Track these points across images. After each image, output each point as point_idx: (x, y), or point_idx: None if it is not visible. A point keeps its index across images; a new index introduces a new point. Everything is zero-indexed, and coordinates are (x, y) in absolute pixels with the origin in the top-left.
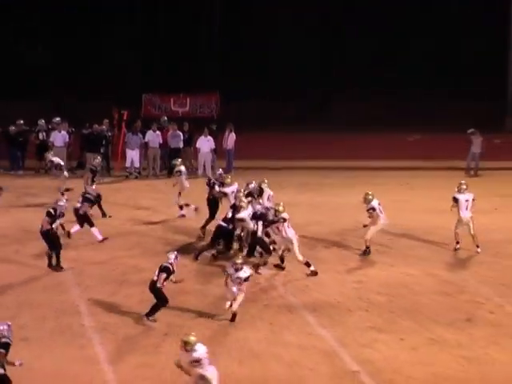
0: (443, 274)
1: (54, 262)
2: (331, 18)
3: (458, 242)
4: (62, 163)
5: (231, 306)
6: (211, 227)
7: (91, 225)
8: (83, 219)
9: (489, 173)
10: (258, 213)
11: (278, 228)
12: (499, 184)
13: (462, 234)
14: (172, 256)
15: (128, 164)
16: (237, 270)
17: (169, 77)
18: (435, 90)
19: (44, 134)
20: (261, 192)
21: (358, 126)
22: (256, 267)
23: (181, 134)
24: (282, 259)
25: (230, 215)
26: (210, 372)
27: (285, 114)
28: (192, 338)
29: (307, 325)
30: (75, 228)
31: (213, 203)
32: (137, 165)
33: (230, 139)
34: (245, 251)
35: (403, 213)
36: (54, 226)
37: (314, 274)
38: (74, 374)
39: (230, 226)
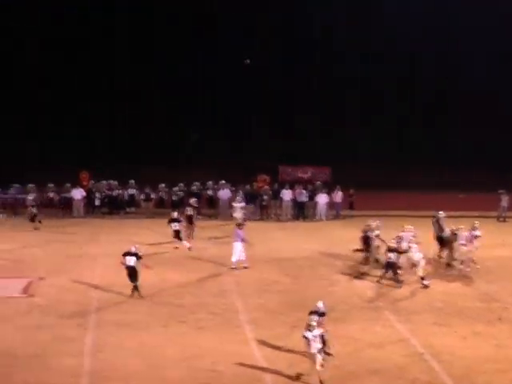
0: (481, 287)
1: None
2: None
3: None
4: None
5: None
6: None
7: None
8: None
9: None
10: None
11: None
12: None
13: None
14: (320, 305)
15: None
16: (311, 331)
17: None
18: None
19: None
20: None
21: None
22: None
23: (305, 192)
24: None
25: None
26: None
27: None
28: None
29: (388, 320)
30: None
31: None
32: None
33: (338, 195)
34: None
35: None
36: None
37: (426, 287)
38: (233, 351)
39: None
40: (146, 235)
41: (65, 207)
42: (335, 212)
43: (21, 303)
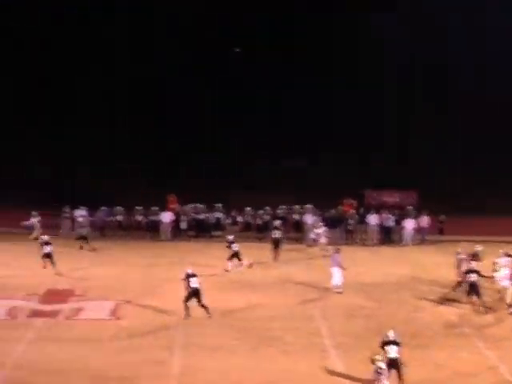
0: None
1: None
2: None
3: None
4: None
5: None
6: None
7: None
8: None
9: None
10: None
11: None
12: None
13: None
14: (391, 334)
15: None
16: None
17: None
18: None
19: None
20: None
21: None
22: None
23: (391, 216)
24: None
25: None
26: None
27: None
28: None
29: (475, 347)
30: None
31: None
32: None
33: (424, 220)
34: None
35: None
36: None
37: None
38: (319, 376)
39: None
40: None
41: (152, 230)
42: (421, 237)
43: (109, 325)
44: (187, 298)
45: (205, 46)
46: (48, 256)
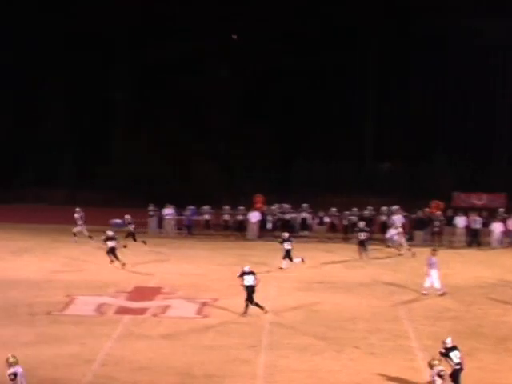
0: None
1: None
2: None
3: None
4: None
5: None
6: None
7: None
8: None
9: None
10: None
11: None
12: None
13: None
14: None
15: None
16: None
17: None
18: None
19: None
20: None
21: None
22: None
23: (479, 219)
24: None
25: None
26: None
27: None
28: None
29: None
30: None
31: None
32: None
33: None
34: None
35: None
36: None
37: None
38: (404, 379)
39: None
40: (319, 258)
41: (239, 230)
42: (510, 240)
43: (196, 324)
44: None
45: None
46: (112, 251)
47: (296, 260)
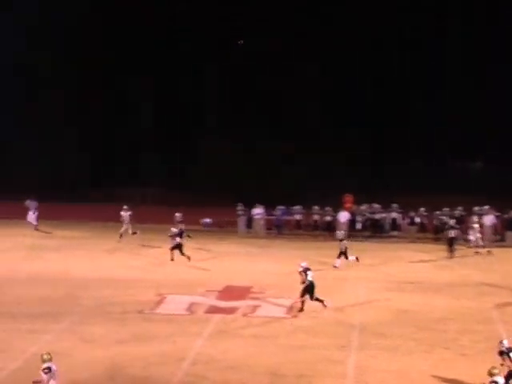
0: None
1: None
2: None
3: None
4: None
5: None
6: None
7: None
8: None
9: None
10: None
11: None
12: None
13: None
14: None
15: None
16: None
17: None
18: None
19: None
20: None
21: None
22: None
23: None
24: None
25: None
26: None
27: None
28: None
29: None
30: None
31: None
32: None
33: None
34: None
35: None
36: None
37: None
38: None
39: None
40: (409, 258)
41: (328, 230)
42: None
43: (285, 323)
44: (304, 293)
45: None
46: (177, 247)
47: (351, 258)
